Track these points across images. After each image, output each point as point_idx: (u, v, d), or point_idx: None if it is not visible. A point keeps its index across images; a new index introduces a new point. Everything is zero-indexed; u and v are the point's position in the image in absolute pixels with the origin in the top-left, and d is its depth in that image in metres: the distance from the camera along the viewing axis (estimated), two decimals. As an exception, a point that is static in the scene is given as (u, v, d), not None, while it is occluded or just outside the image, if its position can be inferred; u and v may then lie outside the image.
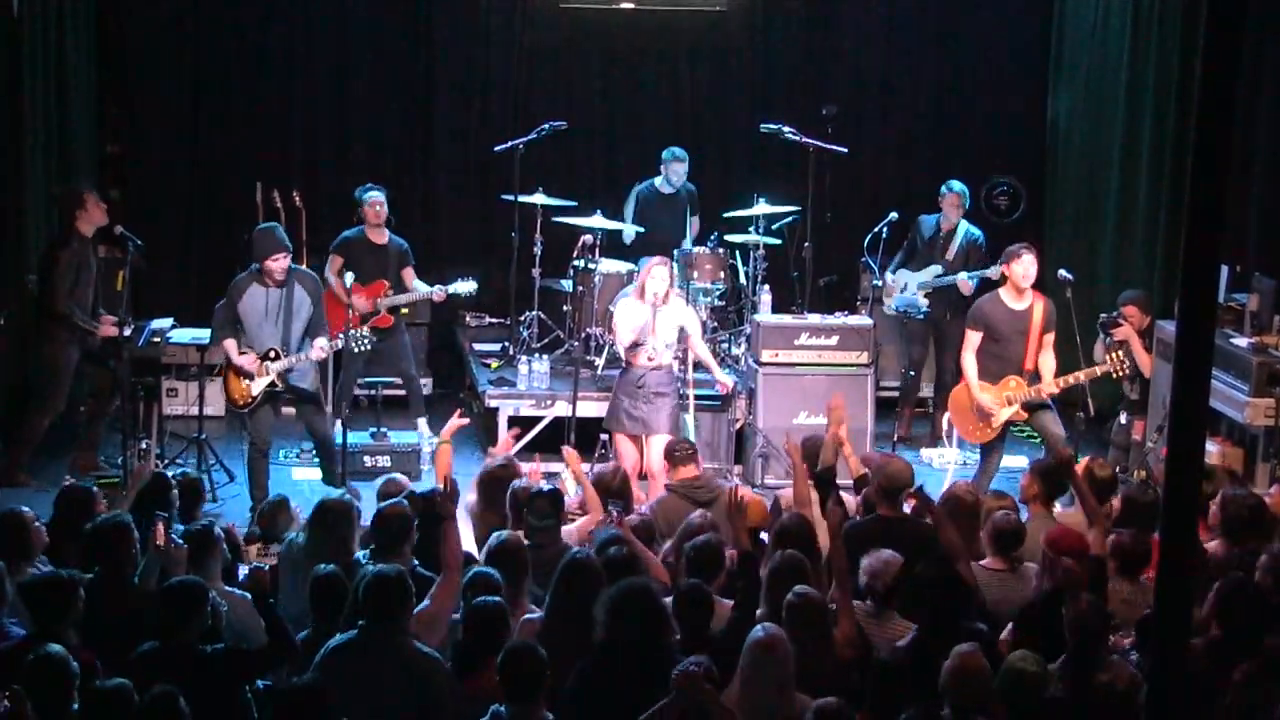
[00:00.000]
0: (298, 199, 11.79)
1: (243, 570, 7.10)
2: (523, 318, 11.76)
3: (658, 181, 12.17)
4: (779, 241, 11.77)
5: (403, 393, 11.37)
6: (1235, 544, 7.18)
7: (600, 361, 10.99)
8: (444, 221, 13.01)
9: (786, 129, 11.82)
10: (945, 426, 10.28)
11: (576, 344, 11.19)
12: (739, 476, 10.48)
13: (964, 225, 11.47)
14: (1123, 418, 10.49)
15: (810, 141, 11.76)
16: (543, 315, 11.71)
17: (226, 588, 6.70)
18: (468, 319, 12.72)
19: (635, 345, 9.52)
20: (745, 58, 13.38)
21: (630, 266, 11.46)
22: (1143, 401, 10.38)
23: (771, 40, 13.39)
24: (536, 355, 11.25)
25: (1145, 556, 6.89)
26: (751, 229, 11.57)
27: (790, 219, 11.78)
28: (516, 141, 11.69)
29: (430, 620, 6.21)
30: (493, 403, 10.93)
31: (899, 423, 11.52)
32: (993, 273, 10.72)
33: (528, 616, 6.37)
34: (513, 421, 10.72)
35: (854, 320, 11.00)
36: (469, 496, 7.86)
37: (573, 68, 13.33)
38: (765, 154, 12.88)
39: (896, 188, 13.04)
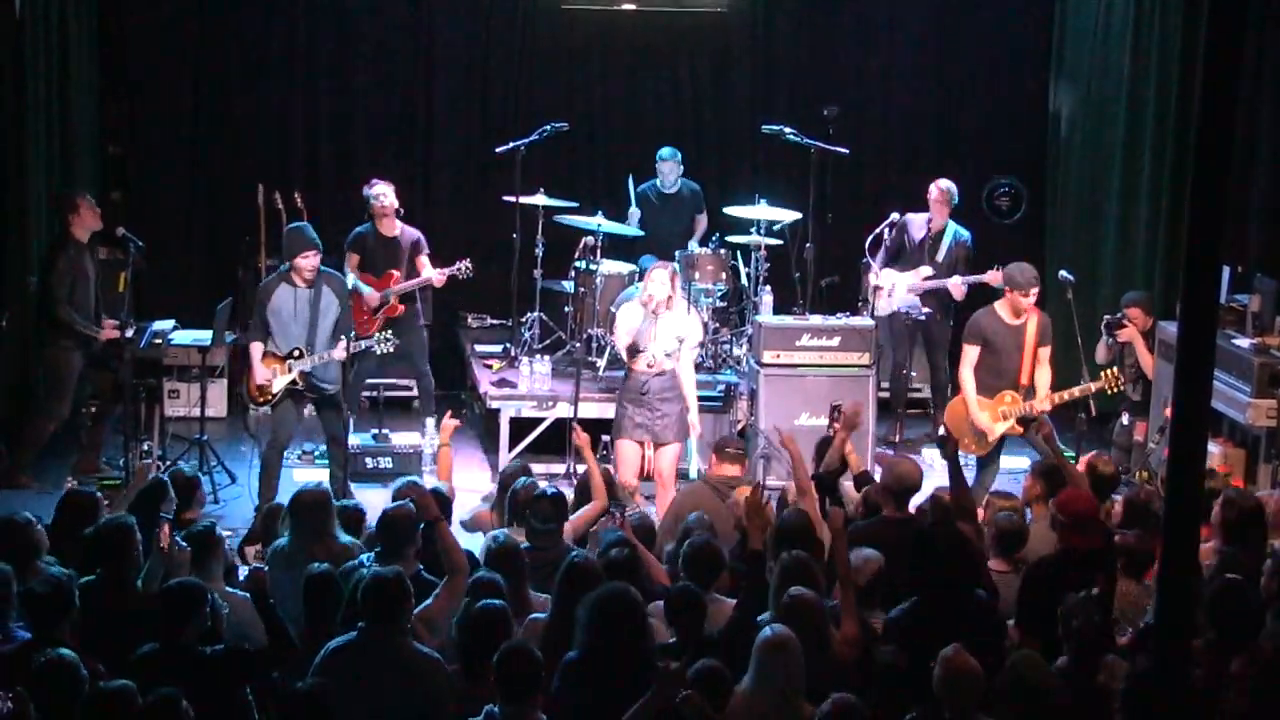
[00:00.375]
0: (299, 200, 11.79)
1: (243, 571, 7.09)
2: (524, 319, 11.76)
3: (659, 181, 12.19)
4: (780, 242, 11.77)
5: (405, 394, 11.35)
6: (1234, 545, 7.17)
7: (602, 363, 10.99)
8: (445, 222, 13.00)
9: (788, 130, 11.82)
10: (943, 431, 10.25)
11: (578, 345, 11.18)
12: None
13: (952, 226, 11.40)
14: (1125, 419, 10.48)
15: (811, 142, 11.75)
16: (544, 316, 11.72)
17: (228, 589, 6.70)
18: (469, 320, 12.72)
19: (634, 351, 9.40)
20: (746, 59, 13.37)
21: (631, 267, 11.47)
22: (1145, 402, 10.38)
23: (772, 41, 13.38)
24: (538, 356, 11.24)
25: (1150, 557, 6.88)
26: (753, 230, 11.58)
27: (791, 222, 11.78)
28: (518, 142, 11.68)
29: (430, 620, 6.21)
30: (494, 404, 10.94)
31: (894, 427, 11.52)
32: (989, 278, 10.70)
33: (533, 616, 6.35)
34: (514, 422, 10.73)
35: (855, 321, 10.97)
36: (478, 500, 7.85)
37: (574, 69, 13.32)
38: (766, 155, 12.89)
39: (898, 189, 13.00)
